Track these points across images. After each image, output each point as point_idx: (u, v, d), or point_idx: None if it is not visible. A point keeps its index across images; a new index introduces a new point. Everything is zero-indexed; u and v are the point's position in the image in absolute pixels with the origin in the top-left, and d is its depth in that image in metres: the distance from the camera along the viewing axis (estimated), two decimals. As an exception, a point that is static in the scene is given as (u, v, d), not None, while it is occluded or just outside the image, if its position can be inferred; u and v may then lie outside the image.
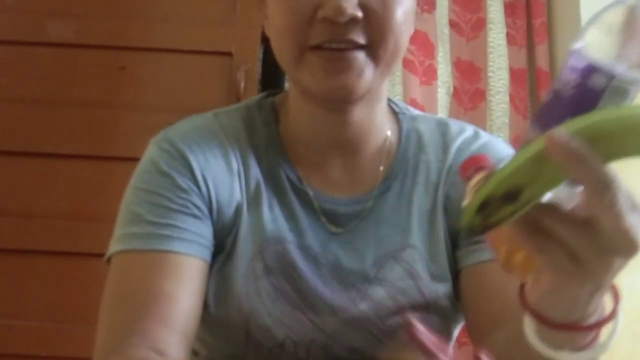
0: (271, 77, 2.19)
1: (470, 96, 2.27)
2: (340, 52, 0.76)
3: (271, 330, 0.81)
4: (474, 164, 0.61)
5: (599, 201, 0.49)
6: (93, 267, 1.88)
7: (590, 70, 0.49)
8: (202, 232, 0.81)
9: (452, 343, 0.88)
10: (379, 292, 0.83)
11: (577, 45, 0.51)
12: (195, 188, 0.81)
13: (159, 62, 2.01)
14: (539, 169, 0.49)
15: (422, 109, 2.09)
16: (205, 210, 0.82)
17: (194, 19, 2.03)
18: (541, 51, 2.29)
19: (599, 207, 0.50)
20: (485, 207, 0.50)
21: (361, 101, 0.82)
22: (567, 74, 0.51)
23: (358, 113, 0.84)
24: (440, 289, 0.84)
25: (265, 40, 2.14)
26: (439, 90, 2.23)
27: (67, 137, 1.94)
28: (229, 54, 1.99)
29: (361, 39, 0.76)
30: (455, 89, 2.26)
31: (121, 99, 1.98)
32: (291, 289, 0.82)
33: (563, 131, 0.47)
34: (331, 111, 0.83)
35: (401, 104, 0.95)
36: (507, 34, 2.30)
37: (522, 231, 0.53)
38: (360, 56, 0.77)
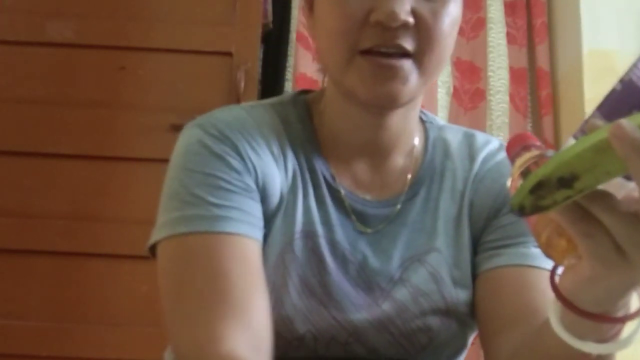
0: (271, 77, 2.19)
1: (470, 96, 2.27)
2: (388, 59, 0.78)
3: (293, 322, 0.81)
4: (521, 141, 0.59)
5: None
6: (93, 267, 1.89)
7: None
8: (259, 214, 0.81)
9: (467, 350, 0.89)
10: (402, 294, 0.83)
11: None
12: (246, 171, 0.81)
13: (159, 62, 2.01)
14: (599, 158, 0.47)
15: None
16: (258, 193, 0.82)
17: (194, 19, 2.03)
18: (541, 51, 2.29)
19: None
20: (539, 188, 0.49)
21: (401, 107, 0.83)
22: None
23: (395, 118, 0.85)
24: (461, 296, 0.84)
25: (265, 40, 2.14)
26: (439, 90, 2.23)
27: (67, 137, 1.94)
28: (229, 54, 1.99)
29: (409, 46, 0.78)
30: (455, 88, 2.26)
31: (121, 99, 1.98)
32: (317, 283, 0.82)
33: (629, 123, 0.46)
34: (371, 114, 0.84)
35: (429, 113, 0.97)
36: (508, 34, 2.30)
37: (570, 217, 0.52)
38: (407, 64, 0.78)
